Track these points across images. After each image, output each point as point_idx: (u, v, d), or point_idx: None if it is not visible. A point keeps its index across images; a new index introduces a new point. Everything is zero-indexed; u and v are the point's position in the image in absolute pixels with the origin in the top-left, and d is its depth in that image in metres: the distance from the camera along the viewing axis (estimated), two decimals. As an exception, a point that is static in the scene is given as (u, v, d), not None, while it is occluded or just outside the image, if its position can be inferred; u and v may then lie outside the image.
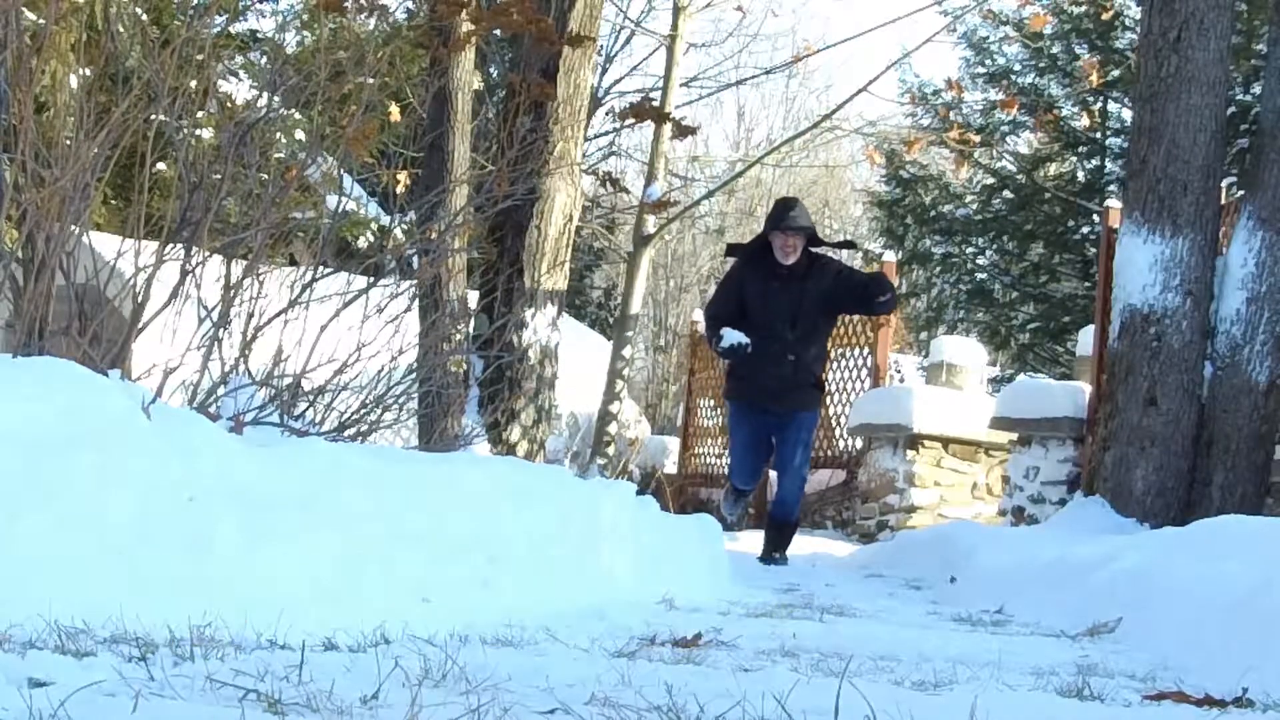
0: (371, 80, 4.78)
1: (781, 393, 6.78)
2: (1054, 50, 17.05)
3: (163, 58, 3.86)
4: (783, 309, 6.71)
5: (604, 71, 18.04)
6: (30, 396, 2.40)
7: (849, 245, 7.70)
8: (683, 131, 9.90)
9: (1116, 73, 15.67)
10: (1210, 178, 6.45)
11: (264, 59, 11.98)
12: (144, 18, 9.83)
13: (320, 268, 4.56)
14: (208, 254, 4.03)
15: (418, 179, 8.46)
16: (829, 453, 10.76)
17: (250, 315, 4.14)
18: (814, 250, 6.89)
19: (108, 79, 4.25)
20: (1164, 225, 6.39)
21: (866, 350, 10.83)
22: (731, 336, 6.64)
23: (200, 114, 4.49)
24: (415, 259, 5.90)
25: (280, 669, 1.95)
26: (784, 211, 6.82)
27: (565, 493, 3.88)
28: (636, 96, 17.52)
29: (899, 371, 12.59)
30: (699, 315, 14.05)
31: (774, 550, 7.09)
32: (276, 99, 4.54)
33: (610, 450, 13.90)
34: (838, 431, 10.79)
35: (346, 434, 4.43)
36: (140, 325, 3.78)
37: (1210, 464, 6.28)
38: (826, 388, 9.17)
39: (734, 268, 7.13)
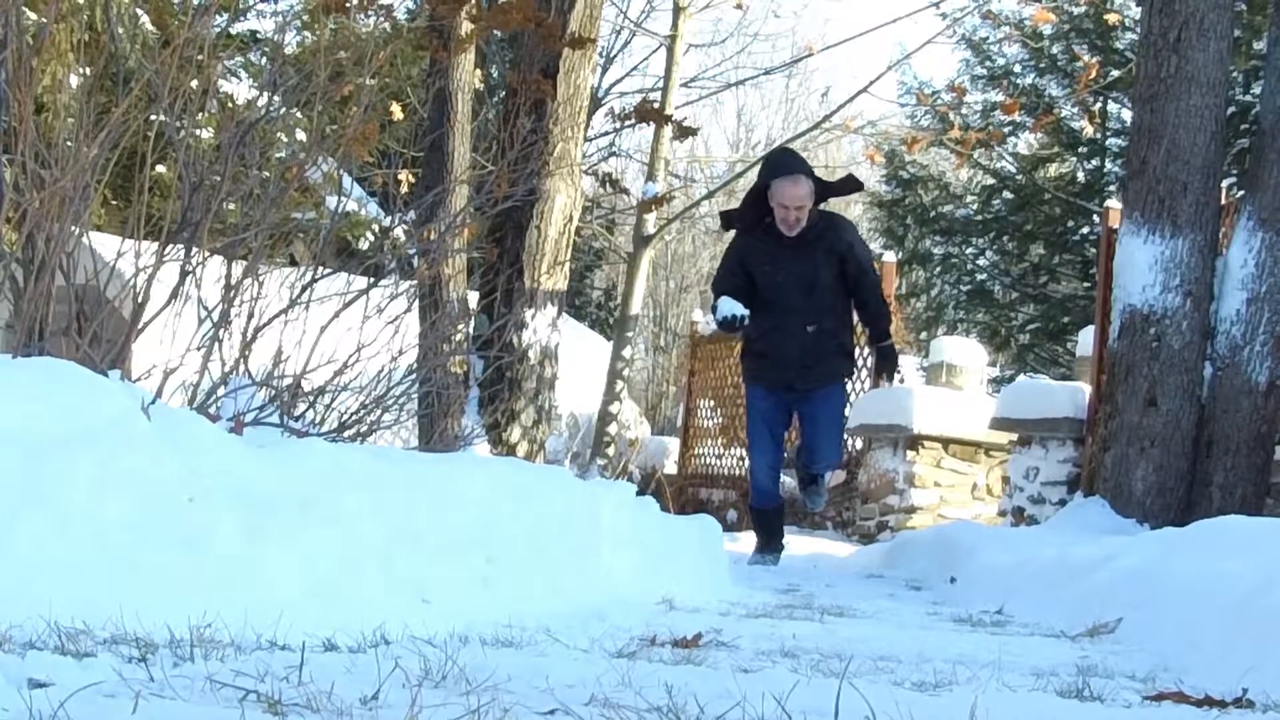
0: (372, 81, 4.78)
1: (805, 367, 6.25)
2: (1054, 50, 17.05)
3: (163, 58, 3.86)
4: (794, 277, 6.17)
5: (604, 71, 18.06)
6: (30, 397, 2.40)
7: (854, 186, 6.63)
8: (684, 133, 9.91)
9: (1117, 73, 15.66)
10: (1210, 178, 6.45)
11: (264, 59, 11.98)
12: (144, 18, 9.83)
13: (320, 268, 4.56)
14: (208, 254, 4.02)
15: (418, 179, 8.46)
16: (829, 453, 10.73)
17: (250, 316, 4.14)
18: (822, 208, 6.32)
19: (108, 79, 4.25)
20: (1164, 225, 6.39)
21: (867, 350, 10.81)
22: (726, 308, 6.04)
23: (200, 114, 4.48)
24: (415, 259, 5.90)
25: (280, 669, 1.95)
26: (780, 173, 6.15)
27: (565, 493, 3.88)
28: (636, 97, 17.54)
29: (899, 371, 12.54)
30: (699, 315, 14.06)
31: (806, 487, 6.70)
32: (276, 99, 4.54)
33: (610, 451, 13.90)
34: (838, 431, 10.77)
35: (346, 435, 4.43)
36: (140, 326, 3.78)
37: (1210, 464, 6.28)
38: (858, 358, 8.43)
39: (734, 241, 6.59)
